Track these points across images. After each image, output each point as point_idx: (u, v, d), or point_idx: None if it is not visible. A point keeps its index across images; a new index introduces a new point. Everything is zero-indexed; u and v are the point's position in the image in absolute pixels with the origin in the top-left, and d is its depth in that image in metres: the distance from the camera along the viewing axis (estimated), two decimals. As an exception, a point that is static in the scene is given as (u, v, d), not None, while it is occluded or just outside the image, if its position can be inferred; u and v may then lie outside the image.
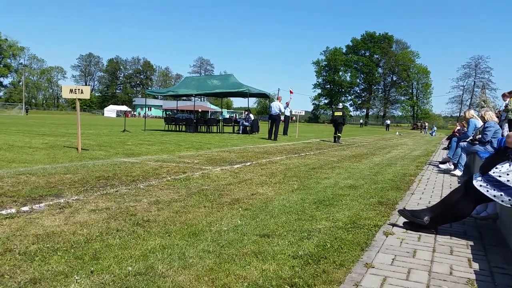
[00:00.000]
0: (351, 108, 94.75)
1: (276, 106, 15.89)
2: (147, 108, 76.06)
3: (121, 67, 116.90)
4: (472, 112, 8.31)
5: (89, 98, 9.05)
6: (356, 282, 2.13)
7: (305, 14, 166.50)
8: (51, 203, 3.66)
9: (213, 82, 21.68)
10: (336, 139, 15.73)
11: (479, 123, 7.60)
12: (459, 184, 5.13)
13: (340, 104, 18.85)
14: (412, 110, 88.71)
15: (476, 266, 2.48)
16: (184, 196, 4.24)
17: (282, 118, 18.24)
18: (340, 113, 16.28)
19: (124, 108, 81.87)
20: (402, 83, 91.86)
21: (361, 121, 77.92)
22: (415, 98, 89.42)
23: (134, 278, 2.09)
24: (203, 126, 21.44)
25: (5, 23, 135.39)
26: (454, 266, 2.46)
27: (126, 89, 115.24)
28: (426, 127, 43.90)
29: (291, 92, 21.51)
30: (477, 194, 2.94)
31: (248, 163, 7.32)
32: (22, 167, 5.69)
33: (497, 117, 8.75)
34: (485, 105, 36.60)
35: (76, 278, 2.06)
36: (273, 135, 15.42)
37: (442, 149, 14.69)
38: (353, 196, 4.59)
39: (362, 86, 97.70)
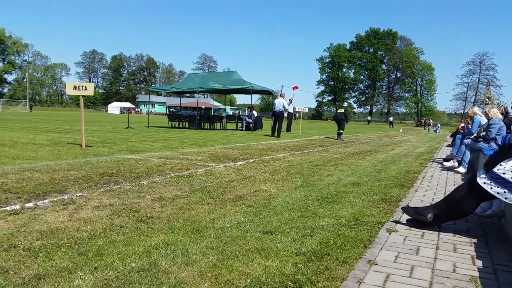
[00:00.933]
0: (355, 105, 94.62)
1: (279, 103, 15.88)
2: (150, 105, 76.10)
3: (125, 64, 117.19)
4: (476, 109, 8.26)
5: (92, 95, 9.06)
6: (359, 279, 2.13)
7: (309, 11, 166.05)
8: (55, 199, 3.68)
9: (217, 78, 21.66)
10: (338, 135, 15.85)
11: (484, 120, 7.56)
12: (463, 181, 5.11)
13: (345, 102, 19.06)
14: (416, 107, 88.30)
15: (479, 263, 2.47)
16: (187, 192, 4.24)
17: (285, 115, 18.24)
18: (342, 110, 16.56)
19: (128, 105, 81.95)
20: (406, 80, 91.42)
21: (368, 118, 77.44)
22: (419, 95, 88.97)
23: (137, 274, 2.10)
24: (206, 123, 21.44)
25: (9, 20, 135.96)
26: (458, 264, 2.45)
27: (130, 86, 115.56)
28: (430, 124, 43.67)
29: (294, 88, 21.36)
30: (480, 191, 2.93)
31: (251, 160, 7.32)
32: (26, 163, 5.72)
33: (502, 114, 8.69)
34: (489, 102, 36.36)
35: (80, 274, 2.07)
36: (276, 132, 15.43)
37: (446, 146, 14.64)
38: (356, 193, 4.59)
39: (366, 83, 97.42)
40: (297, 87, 21.39)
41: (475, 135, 7.31)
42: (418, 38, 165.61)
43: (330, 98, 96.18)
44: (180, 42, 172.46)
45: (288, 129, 20.26)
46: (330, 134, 19.98)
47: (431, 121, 46.74)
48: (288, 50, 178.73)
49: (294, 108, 21.59)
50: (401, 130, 36.17)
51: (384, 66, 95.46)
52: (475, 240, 2.97)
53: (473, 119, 8.00)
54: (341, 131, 15.97)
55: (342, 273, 2.20)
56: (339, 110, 16.76)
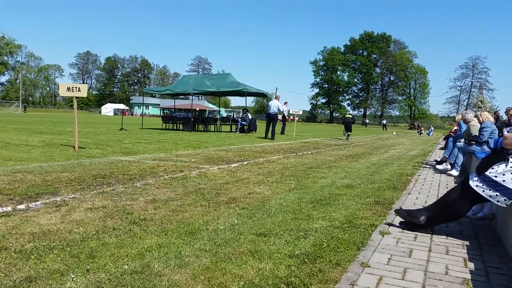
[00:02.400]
0: (348, 108, 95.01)
1: (274, 105, 15.89)
2: (144, 107, 75.90)
3: (119, 65, 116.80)
4: (460, 116, 8.66)
5: (86, 96, 9.02)
6: (352, 281, 2.14)
7: (304, 13, 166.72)
8: (48, 201, 3.65)
9: (211, 81, 21.65)
10: (345, 136, 18.65)
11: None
12: (456, 184, 5.15)
13: (350, 111, 22.56)
14: (410, 110, 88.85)
15: (471, 266, 2.49)
16: (181, 195, 4.23)
17: (280, 117, 18.40)
18: (350, 115, 20.53)
19: (122, 106, 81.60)
20: (400, 83, 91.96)
21: (367, 120, 77.68)
22: (412, 98, 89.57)
23: (130, 277, 2.09)
24: (201, 125, 21.40)
25: (2, 21, 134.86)
26: (450, 266, 2.47)
27: (124, 88, 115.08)
28: (422, 130, 43.78)
29: (286, 104, 21.63)
30: (473, 194, 2.96)
31: (246, 162, 7.32)
32: (18, 165, 5.67)
33: (493, 118, 8.81)
34: (482, 105, 36.73)
35: (72, 276, 2.05)
36: (270, 134, 15.44)
37: (439, 149, 14.74)
38: (349, 195, 4.60)
39: (360, 86, 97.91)
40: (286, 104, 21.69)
41: (465, 138, 7.43)
42: (411, 41, 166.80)
43: (324, 100, 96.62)
44: (174, 44, 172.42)
45: (282, 132, 20.30)
46: (324, 136, 20.06)
47: (422, 128, 46.91)
48: (283, 52, 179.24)
49: (288, 111, 21.69)
50: (394, 133, 36.37)
51: (377, 69, 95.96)
52: (467, 243, 2.99)
53: (460, 124, 8.30)
54: (348, 133, 18.54)
55: (335, 276, 2.20)
56: (347, 115, 20.49)
